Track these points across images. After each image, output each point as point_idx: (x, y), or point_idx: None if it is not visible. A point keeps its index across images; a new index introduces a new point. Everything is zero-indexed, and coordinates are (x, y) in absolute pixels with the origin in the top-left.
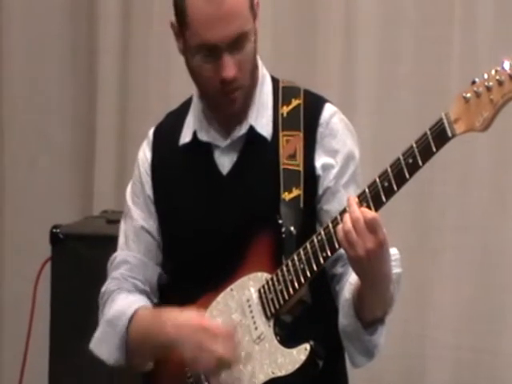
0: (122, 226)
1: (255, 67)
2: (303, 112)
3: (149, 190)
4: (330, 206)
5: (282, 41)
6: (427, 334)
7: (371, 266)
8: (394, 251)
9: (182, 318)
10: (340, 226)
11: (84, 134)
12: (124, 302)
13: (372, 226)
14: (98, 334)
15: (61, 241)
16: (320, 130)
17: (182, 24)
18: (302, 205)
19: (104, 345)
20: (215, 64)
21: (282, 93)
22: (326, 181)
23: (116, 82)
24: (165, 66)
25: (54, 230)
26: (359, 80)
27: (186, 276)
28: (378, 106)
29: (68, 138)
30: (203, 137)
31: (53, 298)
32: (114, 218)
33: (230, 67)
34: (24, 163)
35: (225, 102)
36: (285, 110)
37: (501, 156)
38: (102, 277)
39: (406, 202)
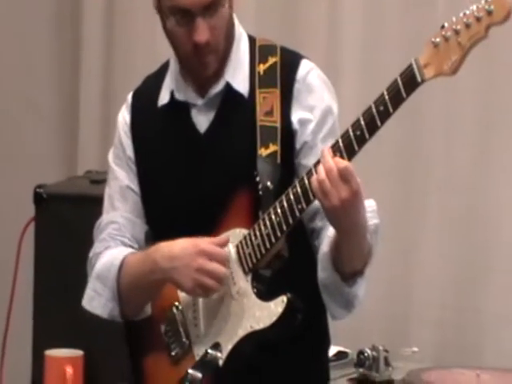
0: (107, 190)
1: (230, 31)
2: (280, 69)
3: (130, 152)
4: (308, 161)
5: (267, 3)
6: (411, 294)
7: (346, 216)
8: (371, 203)
9: (175, 248)
10: (314, 177)
11: (68, 95)
12: (111, 255)
13: (345, 176)
14: (88, 290)
15: (44, 200)
16: (297, 86)
17: None
18: (279, 160)
19: (96, 299)
20: (188, 28)
21: (259, 51)
22: (304, 135)
23: (100, 43)
24: (150, 27)
25: (38, 190)
26: (344, 41)
27: (166, 234)
28: (363, 66)
29: (52, 99)
30: (180, 96)
31: (36, 257)
32: (97, 178)
33: (202, 31)
34: (8, 124)
35: (198, 65)
36: (261, 68)
37: (486, 117)
38: (85, 236)
39: (392, 163)
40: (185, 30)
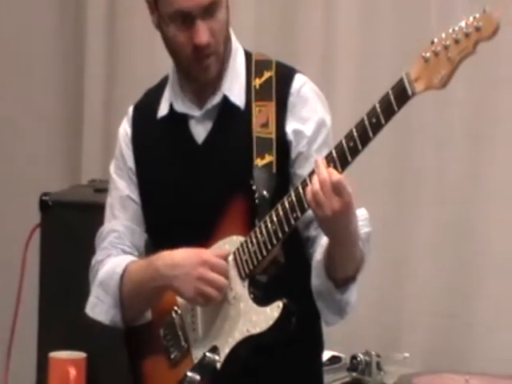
0: (108, 199)
1: (228, 37)
2: (275, 83)
3: (130, 163)
4: (303, 171)
5: (265, 10)
6: (403, 302)
7: (338, 225)
8: (362, 212)
9: (177, 257)
10: (308, 188)
11: (73, 108)
12: (113, 263)
13: (338, 188)
14: (91, 298)
15: (50, 207)
16: (291, 98)
17: None
18: (274, 170)
19: (99, 306)
20: (189, 31)
21: (255, 66)
22: (299, 146)
23: (104, 55)
24: (149, 43)
25: (44, 198)
26: (338, 55)
27: (165, 242)
28: (357, 79)
29: (58, 112)
30: (179, 108)
31: (42, 262)
32: (101, 187)
33: (203, 33)
34: (16, 134)
35: (198, 69)
36: (257, 82)
37: (476, 131)
38: (88, 242)
39: (384, 175)
40: (185, 34)
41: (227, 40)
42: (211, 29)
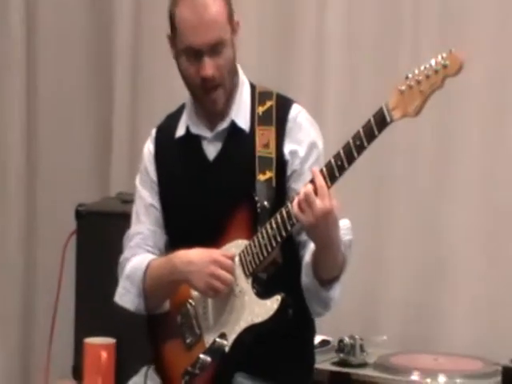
0: (134, 207)
1: (234, 72)
2: (275, 111)
3: (153, 176)
4: (297, 185)
5: (265, 51)
6: (381, 294)
7: (321, 232)
8: (345, 222)
9: (192, 255)
10: (295, 200)
11: (103, 131)
12: (138, 260)
13: (320, 193)
14: (119, 288)
15: (84, 217)
16: (289, 124)
17: (172, 31)
18: (274, 184)
19: (126, 295)
20: (197, 65)
21: (258, 96)
22: (294, 165)
23: (129, 86)
24: (168, 74)
25: (79, 208)
26: (326, 85)
27: (181, 243)
28: (343, 107)
29: (90, 134)
30: (194, 130)
31: (77, 262)
32: (127, 199)
33: (208, 67)
34: (54, 154)
35: (208, 101)
36: (260, 109)
37: (442, 148)
38: (117, 246)
39: (362, 186)
40: (195, 67)
41: (234, 74)
42: (217, 64)
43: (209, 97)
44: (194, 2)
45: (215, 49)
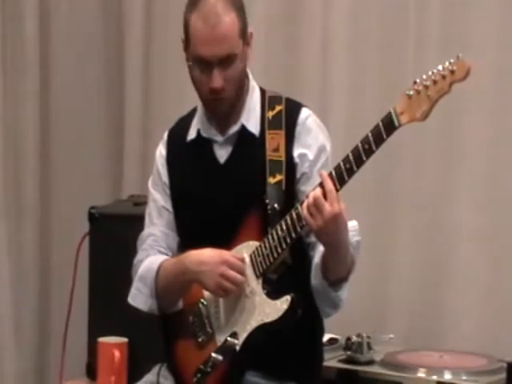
0: (147, 209)
1: (242, 83)
2: (284, 115)
3: (165, 179)
4: (306, 188)
5: (273, 58)
6: (388, 293)
7: (329, 234)
8: (353, 223)
9: (203, 256)
10: (305, 204)
11: (115, 135)
12: (150, 261)
13: (329, 197)
14: (133, 289)
15: (96, 219)
16: (298, 128)
17: (186, 38)
18: (284, 187)
19: (139, 297)
20: (207, 75)
21: (268, 101)
22: (303, 168)
23: (140, 91)
24: (180, 79)
25: (92, 211)
26: (333, 89)
27: (193, 245)
28: (350, 112)
29: (103, 138)
30: (205, 134)
31: (90, 264)
32: (139, 201)
33: (217, 79)
34: (68, 157)
35: (208, 108)
36: (270, 114)
37: (447, 147)
38: (128, 247)
39: (370, 188)
40: (204, 76)
41: (242, 85)
42: (226, 76)
43: (210, 105)
44: (207, 14)
45: (225, 62)
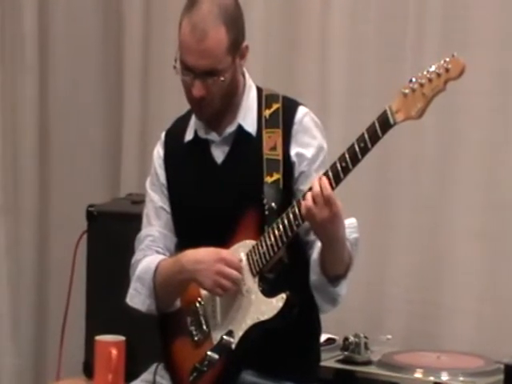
0: (144, 210)
1: (230, 92)
2: (281, 114)
3: (163, 179)
4: (304, 187)
5: (272, 58)
6: (386, 293)
7: (328, 231)
8: (352, 220)
9: (199, 255)
10: (304, 202)
11: (113, 134)
12: (148, 261)
13: (328, 200)
14: (130, 289)
15: (94, 217)
16: (295, 127)
17: (178, 38)
18: (281, 186)
19: (137, 297)
20: (191, 82)
21: (265, 99)
22: (301, 166)
23: (139, 91)
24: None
25: (90, 209)
26: (332, 88)
27: (191, 244)
28: (347, 110)
29: (101, 137)
30: (202, 134)
31: (88, 261)
32: (137, 200)
33: (198, 89)
34: (66, 156)
35: (194, 111)
36: (267, 112)
37: (445, 150)
38: (126, 245)
39: (369, 188)
40: (189, 83)
41: (231, 94)
42: (208, 87)
43: (194, 109)
44: (195, 24)
45: (208, 74)
